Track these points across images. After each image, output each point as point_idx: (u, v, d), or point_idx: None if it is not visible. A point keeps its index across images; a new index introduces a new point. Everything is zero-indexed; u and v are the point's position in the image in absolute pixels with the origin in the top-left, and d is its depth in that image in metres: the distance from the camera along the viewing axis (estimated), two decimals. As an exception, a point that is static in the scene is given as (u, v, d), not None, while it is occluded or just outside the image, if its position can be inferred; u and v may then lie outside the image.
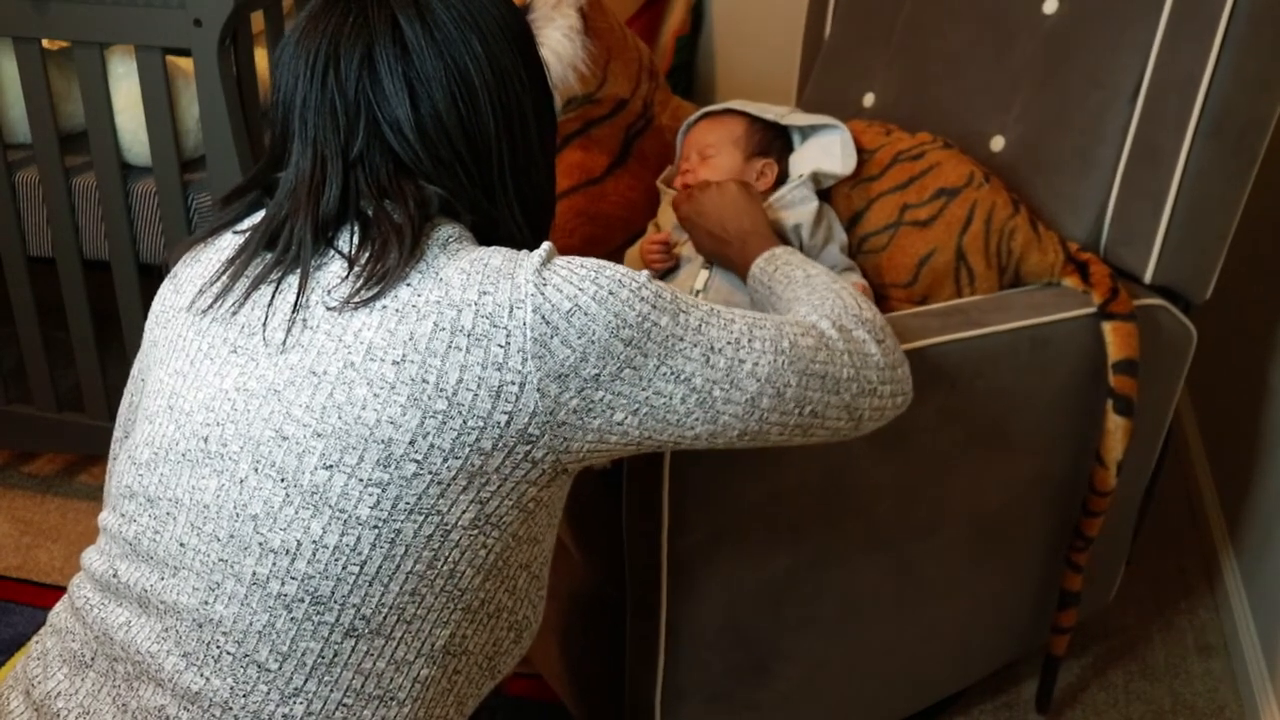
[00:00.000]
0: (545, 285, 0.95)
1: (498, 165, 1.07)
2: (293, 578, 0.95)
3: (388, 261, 0.97)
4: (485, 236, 1.08)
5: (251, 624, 0.96)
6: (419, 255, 0.98)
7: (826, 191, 1.63)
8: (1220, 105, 1.47)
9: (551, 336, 0.94)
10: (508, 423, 0.94)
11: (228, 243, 1.08)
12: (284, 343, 0.98)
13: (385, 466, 0.93)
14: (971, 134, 1.71)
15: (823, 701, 1.56)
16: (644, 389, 0.97)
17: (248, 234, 1.06)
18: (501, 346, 0.94)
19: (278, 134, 1.06)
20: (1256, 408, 2.02)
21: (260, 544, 0.95)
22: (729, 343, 1.01)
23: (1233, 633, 1.95)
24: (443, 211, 1.04)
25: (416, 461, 0.93)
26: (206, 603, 0.97)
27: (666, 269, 1.60)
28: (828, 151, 1.63)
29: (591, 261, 0.99)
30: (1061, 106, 1.61)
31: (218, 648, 0.96)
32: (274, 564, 0.95)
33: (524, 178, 1.10)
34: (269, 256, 1.03)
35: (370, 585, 0.95)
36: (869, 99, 1.90)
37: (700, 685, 1.43)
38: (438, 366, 0.93)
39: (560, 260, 0.98)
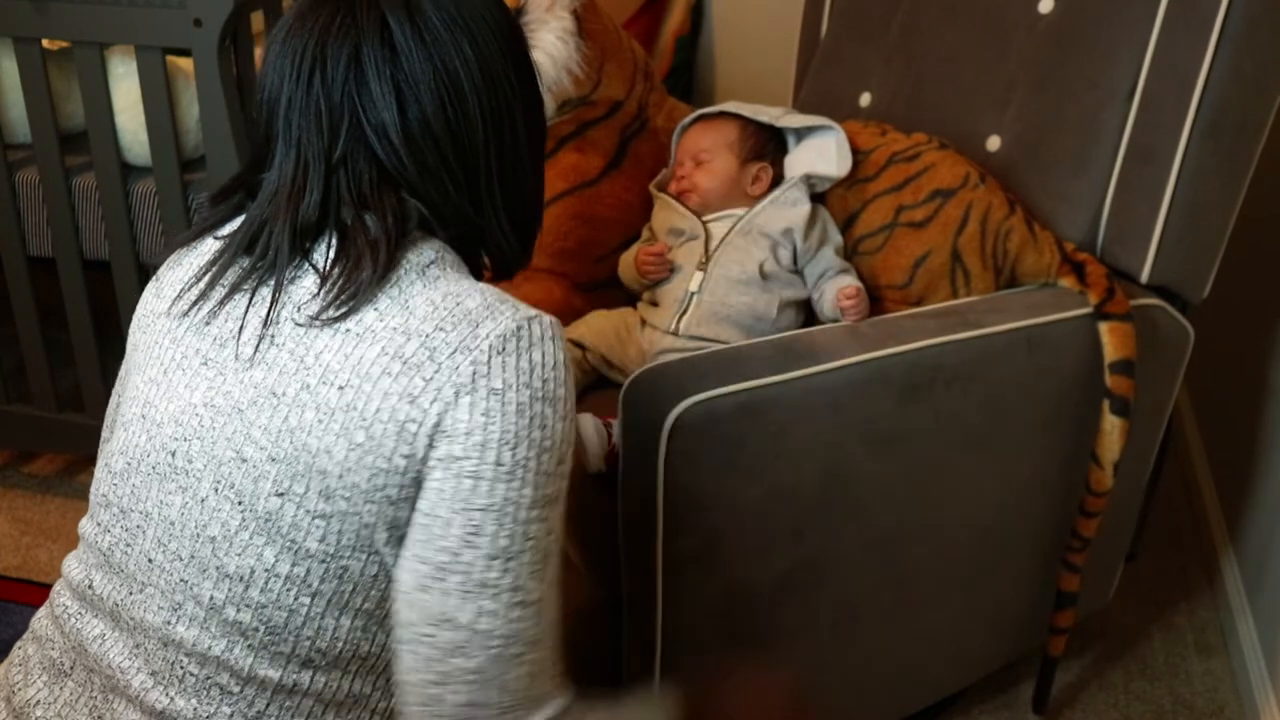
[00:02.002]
0: (501, 352, 0.92)
1: (485, 173, 1.03)
2: (247, 605, 0.93)
3: (359, 279, 0.94)
4: (470, 248, 1.06)
5: (210, 648, 0.94)
6: (394, 276, 0.95)
7: (822, 193, 1.63)
8: (1216, 104, 1.47)
9: (466, 394, 0.90)
10: (405, 468, 0.91)
11: (209, 247, 1.06)
12: (251, 359, 0.96)
13: (326, 499, 0.91)
14: (967, 134, 1.71)
15: (820, 703, 1.56)
16: (461, 505, 0.91)
17: (227, 239, 1.03)
18: (424, 380, 0.91)
19: (261, 135, 1.03)
20: (1256, 407, 2.02)
21: (217, 568, 0.94)
22: (522, 567, 0.93)
23: (1233, 632, 1.95)
24: (422, 226, 1.00)
25: (345, 499, 0.91)
26: (169, 623, 0.96)
27: (660, 279, 1.60)
28: (823, 153, 1.62)
29: (560, 373, 0.94)
30: (1057, 106, 1.61)
31: (181, 668, 0.95)
32: (229, 590, 0.94)
33: (512, 186, 1.07)
34: (246, 262, 1.00)
35: (323, 619, 0.94)
36: (865, 99, 1.90)
37: (697, 687, 1.43)
38: (367, 392, 0.91)
39: (539, 340, 0.94)
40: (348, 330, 0.93)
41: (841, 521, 1.42)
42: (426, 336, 0.92)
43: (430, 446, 0.91)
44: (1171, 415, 1.74)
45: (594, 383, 1.60)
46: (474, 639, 0.91)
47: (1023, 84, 1.66)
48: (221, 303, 0.99)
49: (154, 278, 1.10)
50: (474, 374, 0.91)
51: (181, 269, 1.06)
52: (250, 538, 0.93)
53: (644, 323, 1.59)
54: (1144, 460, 1.73)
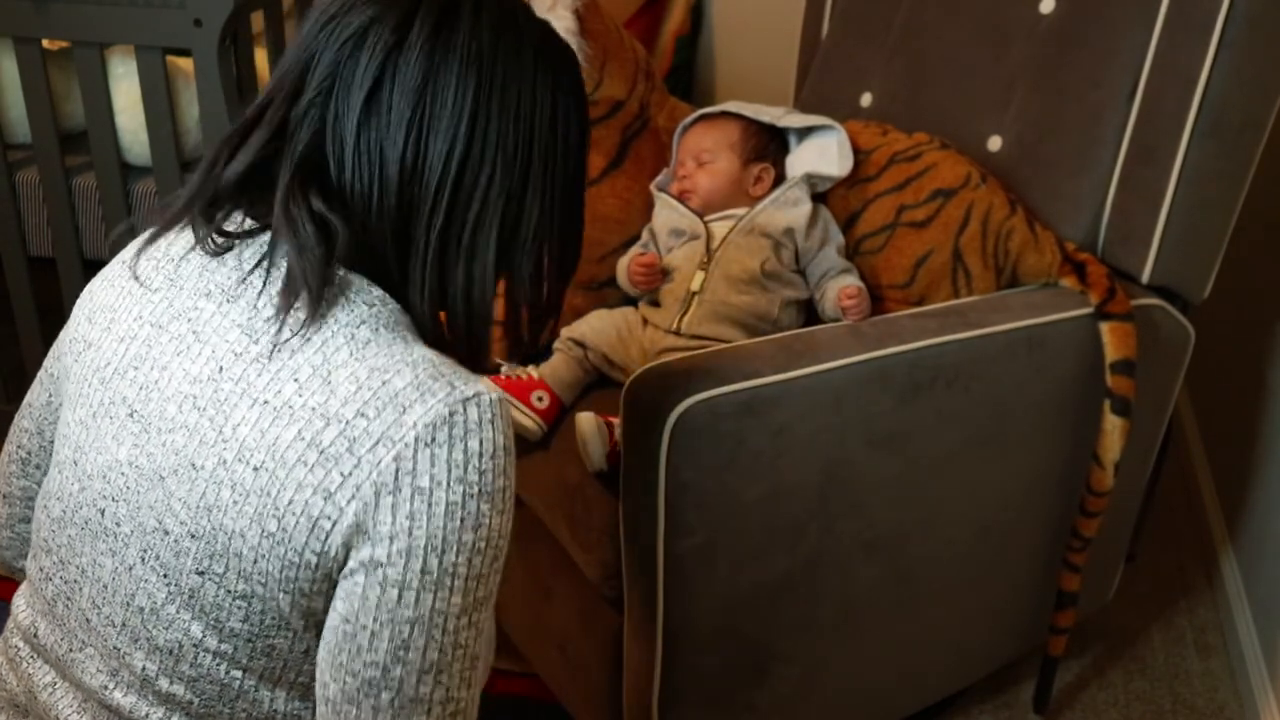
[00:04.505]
0: (430, 444, 0.83)
1: (426, 226, 0.91)
2: (179, 678, 0.90)
3: (296, 318, 0.86)
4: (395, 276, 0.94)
5: (149, 715, 0.92)
6: (319, 336, 0.86)
7: (824, 193, 1.64)
8: (1218, 105, 1.47)
9: (388, 494, 0.82)
10: (317, 564, 0.84)
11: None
12: (174, 419, 0.88)
13: (244, 580, 0.86)
14: (969, 134, 1.71)
15: (821, 703, 1.56)
16: (387, 617, 0.84)
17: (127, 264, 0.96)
18: (342, 475, 0.82)
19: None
20: (1256, 407, 2.02)
21: (148, 639, 0.90)
22: (445, 665, 0.87)
23: (1232, 632, 1.95)
24: (354, 259, 0.90)
25: (261, 584, 0.86)
26: (106, 688, 0.93)
27: (651, 288, 1.60)
28: (824, 153, 1.63)
29: (499, 461, 0.86)
30: (1059, 106, 1.61)
31: None
32: (161, 662, 0.90)
33: (451, 276, 0.93)
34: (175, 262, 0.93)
35: (256, 691, 0.90)
36: (866, 99, 1.90)
37: (698, 687, 1.43)
38: (281, 479, 0.83)
39: (476, 425, 0.84)
40: (265, 403, 0.85)
41: (842, 520, 1.42)
42: (346, 424, 0.83)
43: (347, 546, 0.83)
44: (1171, 415, 1.74)
45: (595, 382, 1.60)
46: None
47: (1024, 84, 1.66)
48: (149, 343, 0.92)
49: (87, 290, 1.01)
50: (397, 470, 0.82)
51: (113, 290, 0.98)
52: (177, 612, 0.88)
53: (645, 322, 1.59)
54: (1144, 460, 1.74)
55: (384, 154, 0.88)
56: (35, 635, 0.98)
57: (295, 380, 0.85)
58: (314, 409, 0.84)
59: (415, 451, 0.82)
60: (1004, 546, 1.62)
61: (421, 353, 0.87)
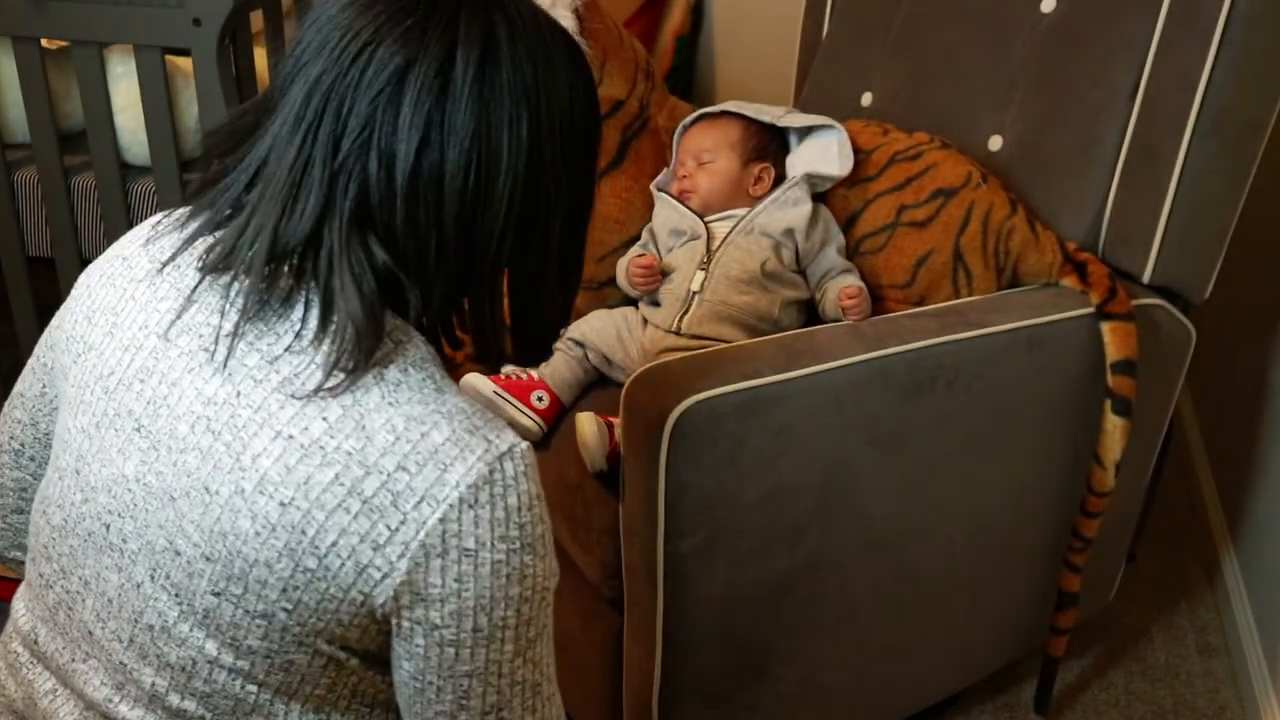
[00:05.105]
0: (474, 505, 0.84)
1: (492, 263, 0.91)
2: (191, 694, 0.89)
3: (345, 366, 0.85)
4: (442, 314, 0.94)
5: None
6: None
7: (824, 193, 1.63)
8: (1218, 105, 1.47)
9: (437, 556, 0.83)
10: (363, 603, 0.85)
11: (141, 265, 0.94)
12: (185, 438, 0.87)
13: (268, 603, 0.86)
14: (969, 133, 1.71)
15: (821, 703, 1.55)
16: (448, 673, 0.88)
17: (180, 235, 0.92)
18: (389, 529, 0.83)
19: (263, 97, 0.90)
20: (1256, 407, 2.02)
21: (158, 656, 0.89)
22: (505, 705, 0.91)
23: (1234, 633, 1.95)
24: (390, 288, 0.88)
25: (287, 611, 0.86)
26: (111, 701, 0.92)
27: (650, 290, 1.59)
28: (824, 152, 1.62)
29: (536, 510, 0.87)
30: (1059, 106, 1.61)
31: None
32: (172, 678, 0.89)
33: (521, 288, 0.96)
34: (193, 279, 0.90)
35: (271, 705, 0.90)
36: (867, 98, 1.90)
37: (698, 687, 1.43)
38: (320, 521, 0.83)
39: (513, 481, 0.86)
40: (290, 437, 0.83)
41: (843, 521, 1.42)
42: (388, 476, 0.83)
43: (397, 599, 0.85)
44: (1172, 415, 1.74)
45: (595, 382, 1.60)
46: None
47: (1024, 83, 1.66)
48: (156, 355, 0.89)
49: (83, 285, 0.98)
50: (444, 533, 0.83)
51: (114, 291, 0.95)
52: (190, 630, 0.87)
53: (645, 322, 1.58)
54: (1145, 460, 1.73)
55: (442, 203, 0.86)
56: (35, 641, 0.97)
57: (324, 419, 0.84)
58: (350, 454, 0.83)
59: (460, 513, 0.83)
60: (1004, 547, 1.62)
61: (454, 403, 0.87)
